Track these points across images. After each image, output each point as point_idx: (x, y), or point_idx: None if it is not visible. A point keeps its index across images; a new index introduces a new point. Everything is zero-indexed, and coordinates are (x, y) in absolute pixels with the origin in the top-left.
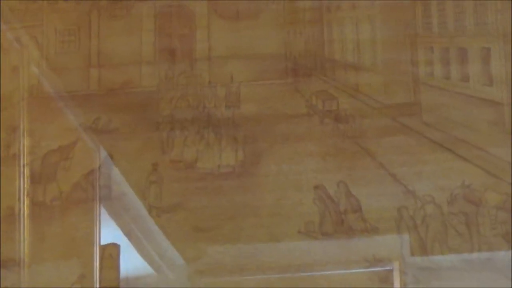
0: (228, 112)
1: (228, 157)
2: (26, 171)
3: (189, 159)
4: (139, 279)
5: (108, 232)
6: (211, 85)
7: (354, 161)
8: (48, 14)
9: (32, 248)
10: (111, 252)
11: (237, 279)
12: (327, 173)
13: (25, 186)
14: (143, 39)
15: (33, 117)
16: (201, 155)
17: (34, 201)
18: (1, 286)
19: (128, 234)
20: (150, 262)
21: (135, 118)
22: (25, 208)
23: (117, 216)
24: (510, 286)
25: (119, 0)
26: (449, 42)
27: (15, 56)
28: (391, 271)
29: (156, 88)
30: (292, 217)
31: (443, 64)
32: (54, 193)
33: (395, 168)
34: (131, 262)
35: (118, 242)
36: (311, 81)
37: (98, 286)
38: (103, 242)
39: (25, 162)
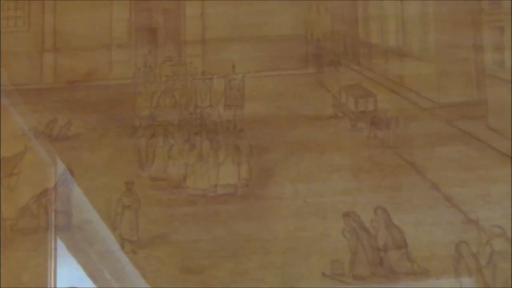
0: (228, 113)
1: (228, 173)
2: None
3: (176, 176)
4: None
5: (66, 272)
6: (205, 76)
7: (396, 180)
8: None
9: None
10: None
11: None
12: (361, 196)
13: None
14: (113, 15)
15: None
16: (192, 171)
17: None
18: None
19: (93, 275)
20: None
21: (103, 121)
22: None
23: (78, 252)
24: None
25: None
26: None
27: None
28: None
29: (131, 80)
30: (313, 254)
31: None
32: None
33: (451, 189)
34: None
35: (79, 286)
36: (339, 72)
37: None
38: (59, 286)
39: None
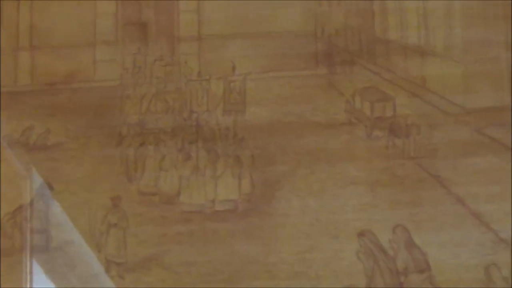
0: (228, 119)
1: (227, 187)
2: None
3: (168, 190)
4: None
5: None
6: (201, 78)
7: (418, 194)
8: None
9: None
10: None
11: None
12: (378, 213)
13: None
14: (98, 9)
15: None
16: (186, 185)
17: None
18: None
19: None
20: None
21: (86, 128)
22: None
23: (57, 276)
24: None
25: None
26: None
27: None
28: None
29: (118, 82)
30: (324, 279)
31: None
32: None
33: (480, 205)
34: None
35: None
36: (353, 73)
37: None
38: None
39: None
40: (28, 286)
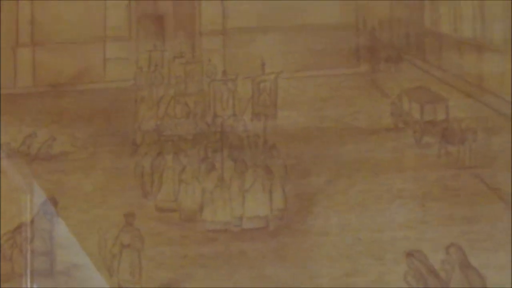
0: (257, 124)
1: (256, 202)
2: None
3: (189, 205)
4: None
5: None
6: (226, 78)
7: (474, 210)
8: None
9: None
10: None
11: None
12: (429, 230)
13: None
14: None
15: None
16: (210, 199)
17: None
18: None
19: None
20: None
21: (96, 136)
22: None
23: None
24: None
25: None
26: None
27: None
28: None
29: (132, 83)
30: None
31: None
32: None
33: None
34: None
35: None
36: (400, 71)
37: None
38: None
39: None
40: None
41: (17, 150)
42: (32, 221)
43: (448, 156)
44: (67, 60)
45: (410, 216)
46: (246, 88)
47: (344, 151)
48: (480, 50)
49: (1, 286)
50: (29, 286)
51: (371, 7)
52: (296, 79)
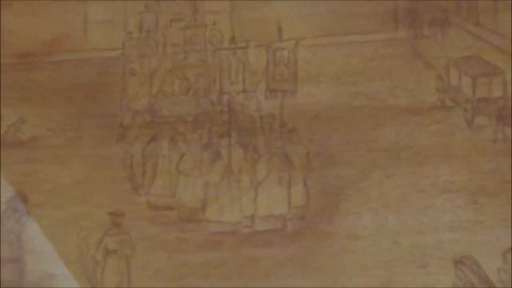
0: (272, 102)
1: (272, 198)
2: None
3: (190, 202)
4: None
5: None
6: (235, 46)
7: None
8: None
9: None
10: None
11: None
12: (482, 232)
13: None
14: None
15: None
16: (215, 195)
17: None
18: None
19: None
20: None
21: (76, 117)
22: None
23: None
24: None
25: None
26: None
27: None
28: None
29: (119, 52)
30: None
31: None
32: None
33: None
34: None
35: None
36: (448, 36)
37: None
38: None
39: None
40: None
41: None
42: None
43: (506, 141)
44: (39, 23)
45: (460, 214)
46: (259, 58)
47: (380, 135)
48: None
49: None
50: None
51: None
52: (320, 47)
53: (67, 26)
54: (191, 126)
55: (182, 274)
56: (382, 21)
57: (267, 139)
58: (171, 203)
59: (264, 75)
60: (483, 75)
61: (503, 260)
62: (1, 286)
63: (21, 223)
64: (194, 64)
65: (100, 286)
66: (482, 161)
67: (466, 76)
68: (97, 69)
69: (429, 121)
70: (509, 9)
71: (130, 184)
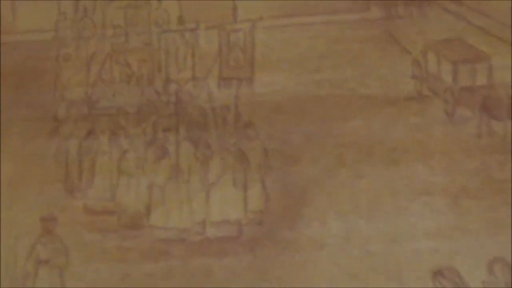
0: (226, 92)
1: (226, 201)
2: None
3: (132, 206)
4: None
5: None
6: (184, 27)
7: None
8: None
9: None
10: None
11: None
12: (465, 239)
13: None
14: None
15: None
16: (161, 197)
17: None
18: None
19: None
20: None
21: (2, 107)
22: None
23: None
24: None
25: None
26: None
27: None
28: None
29: (52, 34)
30: None
31: None
32: None
33: None
34: None
35: None
36: (426, 16)
37: None
38: None
39: None
40: None
41: None
42: None
43: (492, 136)
44: None
45: (440, 219)
46: (210, 42)
47: (349, 129)
48: None
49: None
50: None
51: None
52: (280, 29)
53: None
54: (134, 119)
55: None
56: None
57: (220, 134)
58: (111, 207)
59: (216, 61)
60: (466, 60)
61: (488, 270)
62: None
63: None
64: (136, 48)
65: None
66: (464, 159)
67: (446, 61)
68: (26, 54)
69: (405, 113)
70: None
71: (64, 185)
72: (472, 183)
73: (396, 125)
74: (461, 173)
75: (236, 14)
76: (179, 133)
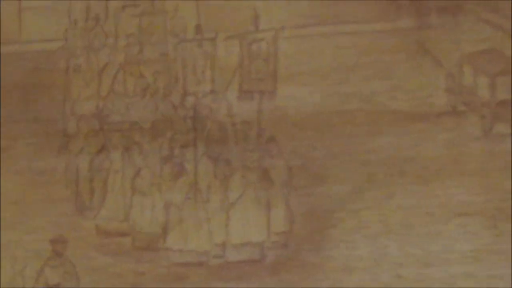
0: (247, 106)
1: (248, 222)
2: None
3: (147, 227)
4: None
5: None
6: (202, 36)
7: None
8: None
9: None
10: None
11: None
12: (503, 264)
13: None
14: None
15: None
16: (178, 218)
17: None
18: None
19: None
20: None
21: (7, 123)
22: None
23: None
24: None
25: None
26: None
27: None
28: None
29: (61, 44)
30: None
31: None
32: None
33: None
34: None
35: None
36: (460, 26)
37: None
38: None
39: None
40: None
41: None
42: None
43: None
44: None
45: (475, 243)
46: (230, 52)
47: (378, 146)
48: None
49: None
50: None
51: None
52: (304, 39)
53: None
54: (149, 134)
55: None
56: (380, 7)
57: (241, 151)
58: (124, 228)
59: (236, 72)
60: (503, 73)
61: None
62: None
63: None
64: (152, 59)
65: None
66: (501, 177)
67: (482, 74)
68: (33, 65)
69: (438, 129)
70: None
71: (74, 205)
72: (509, 204)
73: (428, 141)
74: (498, 192)
75: (257, 23)
76: (197, 149)
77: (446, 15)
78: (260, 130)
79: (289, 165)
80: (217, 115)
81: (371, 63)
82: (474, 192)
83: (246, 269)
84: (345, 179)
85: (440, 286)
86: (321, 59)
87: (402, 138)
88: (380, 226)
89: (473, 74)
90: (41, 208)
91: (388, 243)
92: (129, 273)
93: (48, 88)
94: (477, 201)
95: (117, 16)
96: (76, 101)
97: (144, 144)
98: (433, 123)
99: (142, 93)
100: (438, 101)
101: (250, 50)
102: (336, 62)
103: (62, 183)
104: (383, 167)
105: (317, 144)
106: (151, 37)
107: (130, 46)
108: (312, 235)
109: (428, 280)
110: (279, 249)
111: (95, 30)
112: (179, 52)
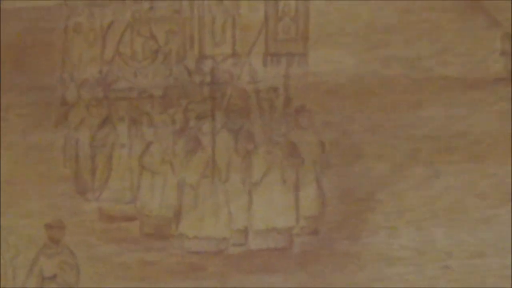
0: (274, 71)
1: (273, 205)
2: None
3: (157, 210)
4: None
5: None
6: None
7: None
8: None
9: None
10: None
11: None
12: None
13: None
14: None
15: None
16: (193, 200)
17: None
18: None
19: None
20: None
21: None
22: None
23: None
24: None
25: None
26: None
27: None
28: None
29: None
30: None
31: None
32: None
33: None
34: None
35: None
36: None
37: None
38: None
39: None
40: None
41: None
42: None
43: None
44: None
45: None
46: (255, 10)
47: (424, 118)
48: None
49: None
50: None
51: None
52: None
53: None
54: (160, 103)
55: None
56: None
57: (266, 123)
58: (131, 212)
59: (261, 33)
60: None
61: None
62: None
63: None
64: (163, 17)
65: None
66: None
67: None
68: (27, 24)
69: (493, 98)
70: None
71: (74, 185)
72: None
73: (481, 113)
74: None
75: None
76: (216, 121)
77: None
78: (288, 99)
79: (321, 139)
80: (239, 81)
81: (415, 23)
82: None
83: (271, 259)
84: (385, 156)
85: (494, 278)
86: (358, 19)
87: (451, 109)
88: (425, 210)
89: None
90: (36, 189)
91: (434, 229)
92: (137, 263)
93: (44, 51)
94: None
95: None
96: (76, 65)
97: (155, 116)
98: (487, 92)
99: (152, 56)
100: (492, 66)
101: (277, 7)
102: (375, 22)
103: (60, 160)
104: (430, 143)
105: (353, 116)
106: None
107: (138, 3)
108: (347, 220)
109: (480, 272)
110: (309, 236)
111: None
112: (195, 9)
